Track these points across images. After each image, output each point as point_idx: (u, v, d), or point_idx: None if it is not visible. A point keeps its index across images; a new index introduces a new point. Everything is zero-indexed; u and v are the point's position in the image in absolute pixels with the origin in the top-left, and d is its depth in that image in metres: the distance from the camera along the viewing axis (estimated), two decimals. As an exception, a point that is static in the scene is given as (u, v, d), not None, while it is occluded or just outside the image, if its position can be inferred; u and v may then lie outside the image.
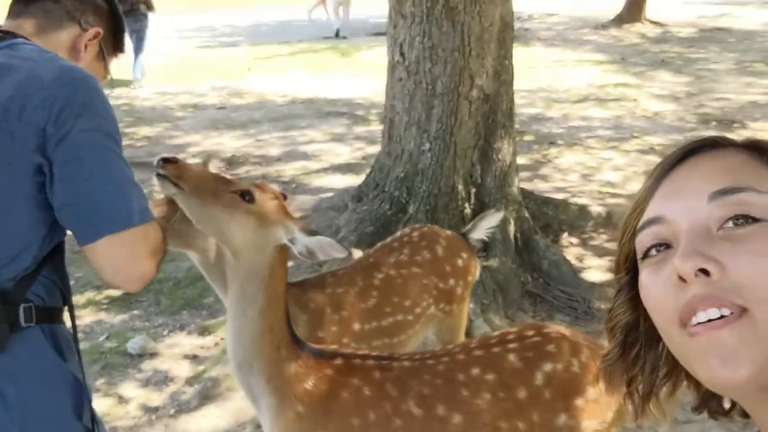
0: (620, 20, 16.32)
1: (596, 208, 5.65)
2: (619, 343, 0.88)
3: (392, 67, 5.02)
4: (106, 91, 1.53)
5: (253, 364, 1.92)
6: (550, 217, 5.48)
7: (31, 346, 1.46)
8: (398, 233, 3.20)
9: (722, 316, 0.71)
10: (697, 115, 8.96)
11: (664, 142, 7.75)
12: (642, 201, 0.85)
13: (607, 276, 4.84)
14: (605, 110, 9.45)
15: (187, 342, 3.98)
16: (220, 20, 20.45)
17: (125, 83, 11.46)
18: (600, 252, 5.15)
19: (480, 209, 4.89)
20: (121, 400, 3.47)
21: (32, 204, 1.40)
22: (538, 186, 6.45)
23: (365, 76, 11.72)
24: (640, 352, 0.87)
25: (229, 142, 8.18)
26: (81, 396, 1.55)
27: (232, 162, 7.31)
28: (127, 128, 8.86)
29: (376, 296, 2.75)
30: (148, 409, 3.41)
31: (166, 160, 1.76)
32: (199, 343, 3.96)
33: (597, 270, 4.92)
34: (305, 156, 7.53)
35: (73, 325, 1.61)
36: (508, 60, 4.92)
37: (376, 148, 7.08)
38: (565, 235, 5.37)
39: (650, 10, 16.67)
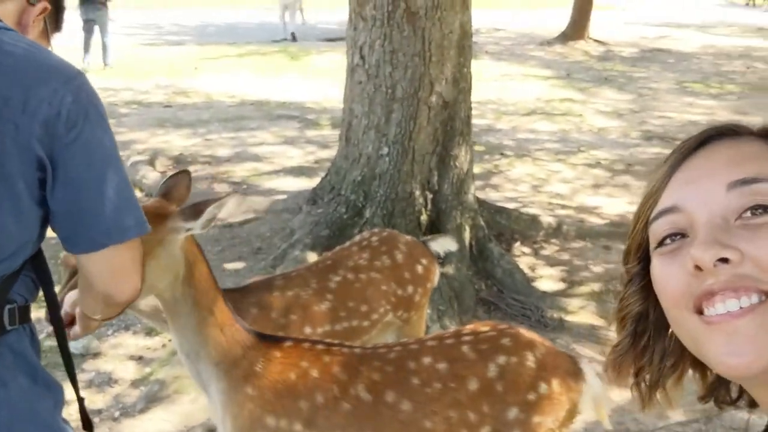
0: (565, 37, 16.74)
1: (547, 219, 5.72)
2: (629, 333, 0.87)
3: (351, 70, 4.98)
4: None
5: (199, 351, 1.92)
6: (503, 226, 5.53)
7: (16, 347, 1.39)
8: (357, 237, 3.13)
9: (740, 308, 0.71)
10: (641, 131, 9.23)
11: (609, 157, 7.95)
12: (656, 190, 0.83)
13: (559, 285, 4.90)
14: (552, 124, 9.64)
15: (132, 342, 3.82)
16: (166, 19, 20.02)
17: (96, 71, 11.34)
18: (551, 261, 5.21)
19: (437, 216, 4.90)
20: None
21: (33, 201, 1.28)
22: (490, 195, 6.50)
23: (316, 80, 11.64)
24: (649, 341, 0.87)
25: (177, 141, 7.97)
26: (59, 394, 1.51)
27: (179, 161, 7.10)
28: (67, 123, 8.54)
29: (331, 300, 2.68)
30: (91, 412, 3.22)
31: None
32: (145, 343, 3.81)
33: (549, 279, 4.97)
34: (256, 158, 7.40)
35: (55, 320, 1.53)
36: (467, 68, 4.94)
37: (328, 152, 7.03)
38: (518, 244, 5.42)
39: (593, 29, 17.16)
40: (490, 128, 9.42)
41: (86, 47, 12.38)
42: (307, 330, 2.58)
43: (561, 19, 17.66)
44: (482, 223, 5.08)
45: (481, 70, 13.46)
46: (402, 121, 4.76)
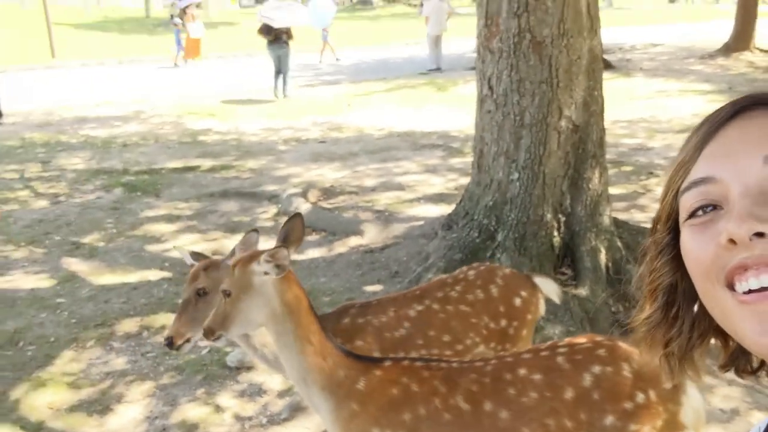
0: (727, 49, 15.78)
1: (694, 239, 5.48)
2: (661, 305, 0.86)
3: (481, 100, 5.16)
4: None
5: (306, 378, 2.20)
6: (645, 247, 5.38)
7: None
8: (456, 271, 3.21)
9: None
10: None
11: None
12: (688, 160, 0.81)
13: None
14: (709, 140, 9.13)
15: (281, 359, 4.20)
16: (324, 60, 21.28)
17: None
18: (696, 283, 4.99)
19: (570, 238, 4.91)
20: (218, 409, 3.72)
21: None
22: (635, 216, 6.34)
23: (461, 108, 11.89)
24: (679, 312, 0.85)
25: (329, 173, 8.53)
26: None
27: (329, 192, 7.61)
28: (235, 161, 9.44)
29: (408, 327, 2.80)
30: (241, 419, 3.64)
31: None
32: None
33: (693, 301, 4.77)
34: (399, 186, 7.75)
35: None
36: (598, 91, 4.94)
37: (469, 179, 7.20)
38: (660, 265, 5.24)
39: (759, 39, 15.98)
40: (641, 147, 9.15)
41: (275, 81, 14.69)
42: (376, 354, 2.71)
43: (724, 30, 16.63)
44: (619, 244, 5.01)
45: (633, 87, 13.07)
46: (531, 147, 4.86)
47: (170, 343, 2.62)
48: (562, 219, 4.94)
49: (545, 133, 4.82)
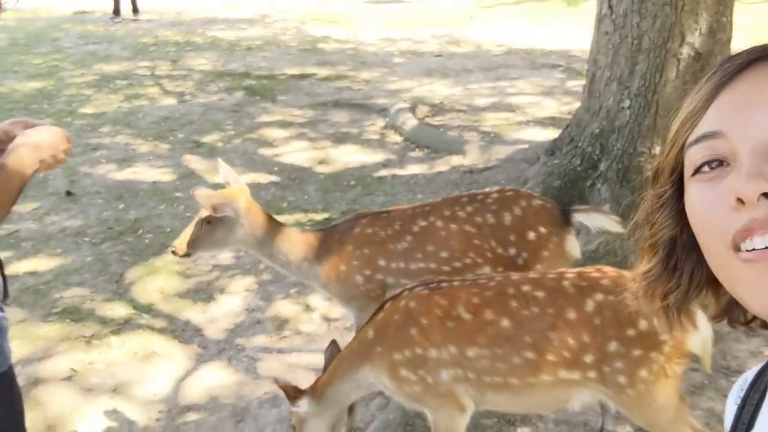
0: None
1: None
2: (661, 258, 0.85)
3: (599, 20, 4.91)
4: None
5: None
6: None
7: None
8: (481, 190, 3.17)
9: None
10: None
11: None
12: (696, 112, 0.77)
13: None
14: None
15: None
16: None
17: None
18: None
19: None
20: (308, 308, 4.00)
21: None
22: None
23: (591, 26, 11.27)
24: (677, 264, 0.84)
25: (440, 89, 8.47)
26: None
27: (438, 109, 7.59)
28: (350, 71, 9.54)
29: (410, 241, 2.92)
30: (328, 320, 3.89)
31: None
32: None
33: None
34: (510, 107, 7.59)
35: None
36: (727, 17, 4.56)
37: (581, 104, 6.94)
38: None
39: None
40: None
41: None
42: (381, 263, 2.91)
43: None
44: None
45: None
46: (647, 74, 4.61)
47: (174, 251, 2.92)
48: (672, 153, 4.71)
49: (663, 60, 4.54)
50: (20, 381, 3.33)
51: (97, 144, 6.80)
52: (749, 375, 0.89)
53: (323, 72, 9.48)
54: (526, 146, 6.01)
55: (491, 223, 2.91)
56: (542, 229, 2.91)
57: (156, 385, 3.39)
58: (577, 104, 7.45)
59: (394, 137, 6.74)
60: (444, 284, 2.42)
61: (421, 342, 2.31)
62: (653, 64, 4.58)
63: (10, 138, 1.70)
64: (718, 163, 0.73)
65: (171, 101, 8.33)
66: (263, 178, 5.91)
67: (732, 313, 0.86)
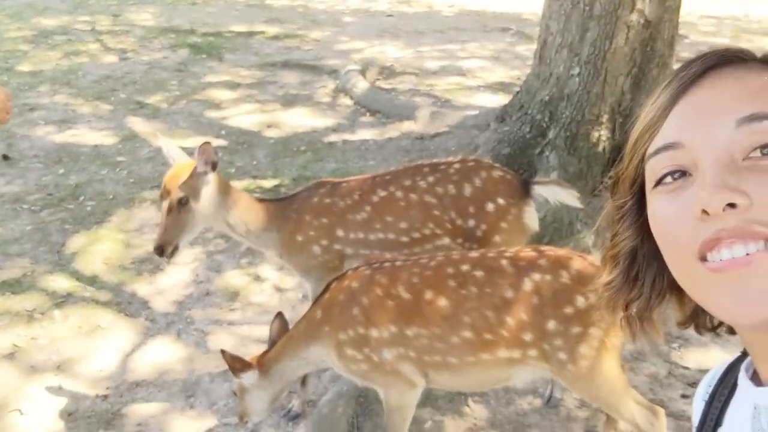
0: None
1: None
2: (623, 269, 0.85)
3: (551, -14, 4.89)
4: None
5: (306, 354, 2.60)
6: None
7: None
8: (443, 159, 3.15)
9: (747, 254, 0.68)
10: None
11: None
12: (654, 122, 0.76)
13: None
14: (803, 43, 8.48)
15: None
16: None
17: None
18: None
19: (624, 141, 4.76)
20: (258, 278, 3.96)
21: None
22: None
23: (539, -11, 11.25)
24: (639, 274, 0.84)
25: (391, 51, 8.35)
26: None
27: (389, 72, 7.50)
28: (299, 30, 9.32)
29: (369, 211, 2.90)
30: (280, 290, 3.86)
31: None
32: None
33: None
34: (461, 71, 7.55)
35: None
36: (676, -16, 4.60)
37: (531, 69, 6.96)
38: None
39: None
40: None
41: None
42: (339, 233, 2.90)
43: None
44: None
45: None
46: (597, 41, 4.63)
47: (161, 252, 2.76)
48: (619, 120, 4.77)
49: (614, 27, 4.56)
50: (-42, 359, 3.25)
51: (35, 104, 6.50)
52: (717, 370, 0.90)
53: (272, 30, 9.24)
54: (477, 112, 6.01)
55: (452, 193, 2.89)
56: (501, 201, 2.90)
57: (102, 360, 3.32)
58: (527, 70, 7.46)
59: (345, 100, 6.64)
60: (387, 264, 2.44)
61: (364, 322, 2.35)
62: (603, 31, 4.60)
63: None
64: (680, 173, 0.73)
65: (112, 59, 8.01)
66: (210, 141, 5.75)
67: (698, 319, 0.87)
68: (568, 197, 2.96)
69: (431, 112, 6.05)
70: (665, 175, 0.74)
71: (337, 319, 2.41)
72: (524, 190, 2.94)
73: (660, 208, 0.75)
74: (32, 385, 3.15)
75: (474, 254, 2.41)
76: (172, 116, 6.28)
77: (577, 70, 4.74)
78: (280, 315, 2.73)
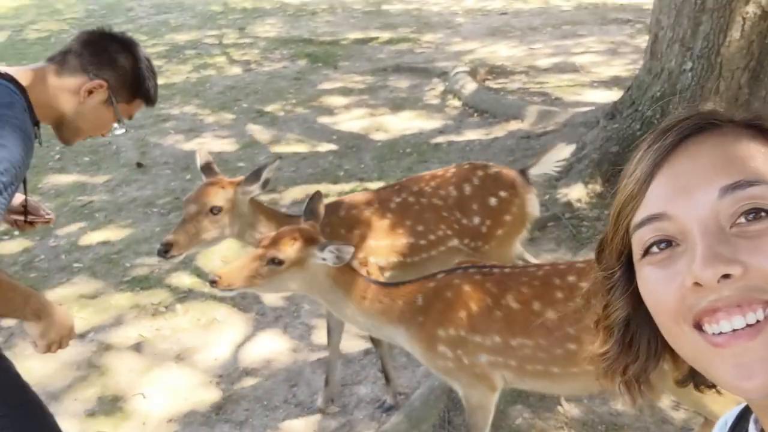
0: None
1: None
2: (617, 340, 0.86)
3: (662, -21, 4.72)
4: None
5: (373, 323, 2.48)
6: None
7: None
8: (441, 168, 3.23)
9: (746, 326, 0.68)
10: None
11: None
12: (636, 194, 0.77)
13: None
14: None
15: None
16: None
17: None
18: None
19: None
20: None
21: None
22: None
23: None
24: (633, 340, 0.85)
25: (502, 51, 8.32)
26: None
27: (499, 72, 7.48)
28: (412, 33, 9.49)
29: (390, 218, 2.93)
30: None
31: (212, 282, 2.30)
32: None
33: None
34: (574, 68, 7.40)
35: None
36: (797, -29, 4.30)
37: (647, 63, 6.71)
38: None
39: None
40: None
41: None
42: (372, 243, 2.89)
43: None
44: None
45: None
46: (710, 34, 4.43)
47: (166, 249, 2.66)
48: (738, 116, 4.53)
49: (728, 20, 4.35)
50: (92, 347, 3.66)
51: (167, 115, 7.08)
52: (728, 417, 0.90)
53: (385, 35, 9.47)
54: (587, 109, 5.88)
55: (454, 195, 2.97)
56: (502, 194, 2.98)
57: (217, 350, 3.61)
58: (645, 63, 7.23)
59: (453, 102, 6.71)
60: (496, 270, 2.43)
61: (468, 327, 2.34)
62: (717, 24, 4.39)
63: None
64: (667, 243, 0.73)
65: (237, 70, 8.54)
66: (321, 146, 6.03)
67: (697, 377, 0.87)
68: (560, 153, 3.07)
69: (539, 111, 5.99)
70: (652, 245, 0.74)
71: (438, 315, 2.38)
72: (523, 180, 3.01)
73: (651, 280, 0.75)
74: (155, 371, 3.48)
75: (580, 264, 2.39)
76: (287, 123, 6.62)
77: (689, 65, 4.56)
78: (318, 193, 2.62)
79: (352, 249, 2.27)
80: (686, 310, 0.71)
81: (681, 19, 4.55)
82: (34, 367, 3.53)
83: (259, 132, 6.48)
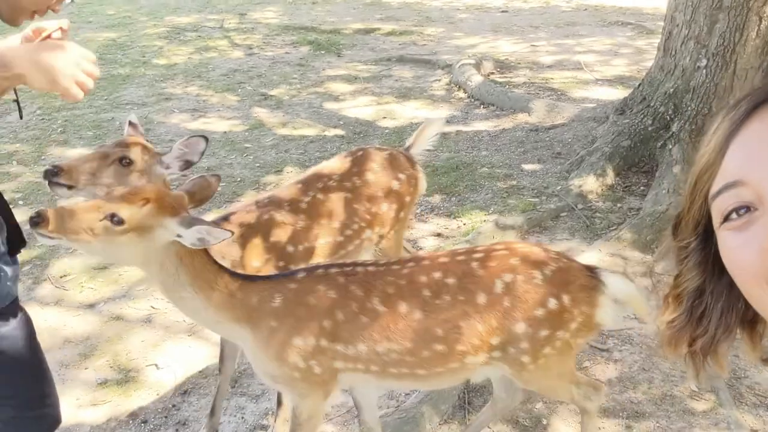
0: None
1: None
2: (686, 308, 0.87)
3: (678, -24, 4.77)
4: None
5: (218, 320, 2.11)
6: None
7: None
8: (333, 159, 3.09)
9: None
10: None
11: None
12: (711, 164, 0.79)
13: None
14: None
15: (434, 221, 4.46)
16: None
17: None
18: None
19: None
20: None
21: None
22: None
23: (663, -16, 10.89)
24: (704, 312, 0.86)
25: (505, 46, 8.35)
26: None
27: (503, 65, 7.51)
28: (414, 26, 9.48)
29: (304, 219, 2.73)
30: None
31: (35, 222, 1.81)
32: (444, 223, 4.42)
33: None
34: (577, 65, 7.45)
35: None
36: (816, -28, 4.37)
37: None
38: None
39: None
40: None
41: None
42: (290, 249, 2.68)
43: None
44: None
45: None
46: (726, 32, 4.48)
47: (55, 173, 2.32)
48: (749, 115, 4.59)
49: (745, 18, 4.40)
50: (104, 318, 3.60)
51: (170, 94, 7.00)
52: None
53: (388, 27, 9.45)
54: (595, 105, 5.92)
55: (359, 185, 2.88)
56: (401, 176, 2.97)
57: (230, 325, 3.56)
58: (647, 64, 7.28)
59: (459, 94, 6.72)
60: (359, 269, 2.19)
61: (331, 335, 2.10)
62: (734, 22, 4.44)
63: None
64: (746, 209, 0.75)
65: (239, 54, 8.47)
66: (328, 131, 6.00)
67: None
68: (434, 126, 3.22)
69: (547, 104, 6.02)
70: (731, 212, 0.76)
71: (297, 323, 2.10)
72: (410, 160, 3.07)
73: (730, 244, 0.77)
74: (168, 343, 3.44)
75: (444, 258, 2.23)
76: (293, 107, 6.58)
77: (704, 62, 4.60)
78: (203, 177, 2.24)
79: (228, 234, 1.88)
80: (765, 270, 0.72)
81: (697, 16, 4.59)
82: (43, 336, 3.48)
83: (264, 114, 6.43)
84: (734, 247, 0.76)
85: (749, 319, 0.84)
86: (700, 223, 0.83)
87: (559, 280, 2.11)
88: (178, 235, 1.89)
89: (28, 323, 1.96)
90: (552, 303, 2.08)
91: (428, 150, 3.25)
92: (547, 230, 4.19)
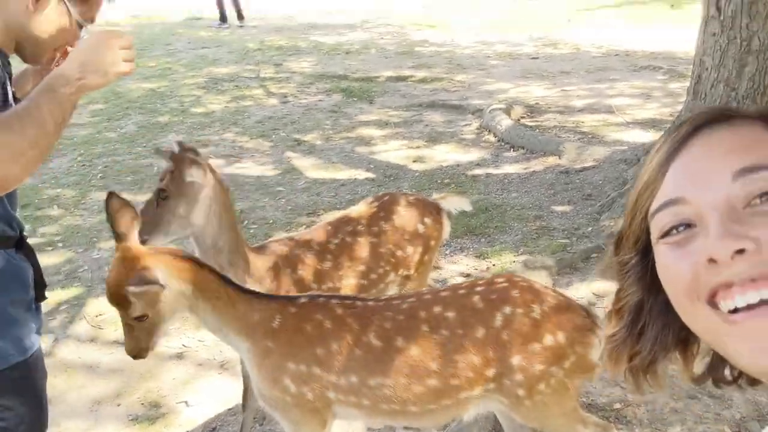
0: None
1: None
2: (626, 323, 0.88)
3: (706, 22, 4.80)
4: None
5: (221, 328, 2.18)
6: None
7: None
8: (360, 204, 3.17)
9: (761, 300, 0.70)
10: None
11: None
12: (652, 181, 0.81)
13: None
14: None
15: (464, 262, 4.48)
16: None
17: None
18: None
19: None
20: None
21: None
22: None
23: (694, 28, 10.90)
24: (644, 329, 0.87)
25: (536, 91, 8.43)
26: None
27: (534, 110, 7.57)
28: (445, 73, 9.64)
29: (331, 260, 2.83)
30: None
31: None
32: (474, 264, 4.43)
33: None
34: (608, 109, 7.47)
35: None
36: None
37: (684, 106, 6.76)
38: None
39: None
40: None
41: None
42: (314, 286, 2.76)
43: None
44: None
45: None
46: (756, 75, 4.49)
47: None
48: (781, 156, 4.55)
49: (774, 61, 4.41)
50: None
51: (207, 140, 7.20)
52: None
53: (419, 74, 9.63)
54: (626, 148, 5.92)
55: (386, 229, 2.97)
56: (427, 220, 3.06)
57: (259, 363, 3.59)
58: (680, 106, 7.27)
59: (489, 137, 6.78)
60: (359, 303, 2.26)
61: (324, 364, 2.15)
62: (763, 65, 4.46)
63: None
64: (685, 226, 0.77)
65: (274, 102, 8.70)
66: (360, 174, 6.10)
67: (716, 373, 0.88)
68: (463, 204, 3.25)
69: (578, 147, 6.04)
70: (670, 229, 0.78)
71: (291, 348, 2.16)
72: (436, 208, 3.15)
73: (668, 258, 0.78)
74: (198, 380, 3.48)
75: (445, 293, 2.27)
76: (326, 152, 6.71)
77: (734, 105, 4.60)
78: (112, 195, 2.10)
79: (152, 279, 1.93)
80: (701, 287, 0.73)
81: (726, 60, 4.61)
82: (77, 370, 3.56)
83: (297, 159, 6.57)
84: (670, 261, 0.78)
85: (683, 339, 0.85)
86: (640, 239, 0.85)
87: (557, 317, 2.15)
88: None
89: (44, 374, 2.00)
90: (548, 339, 2.12)
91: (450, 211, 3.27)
92: (578, 271, 4.17)
